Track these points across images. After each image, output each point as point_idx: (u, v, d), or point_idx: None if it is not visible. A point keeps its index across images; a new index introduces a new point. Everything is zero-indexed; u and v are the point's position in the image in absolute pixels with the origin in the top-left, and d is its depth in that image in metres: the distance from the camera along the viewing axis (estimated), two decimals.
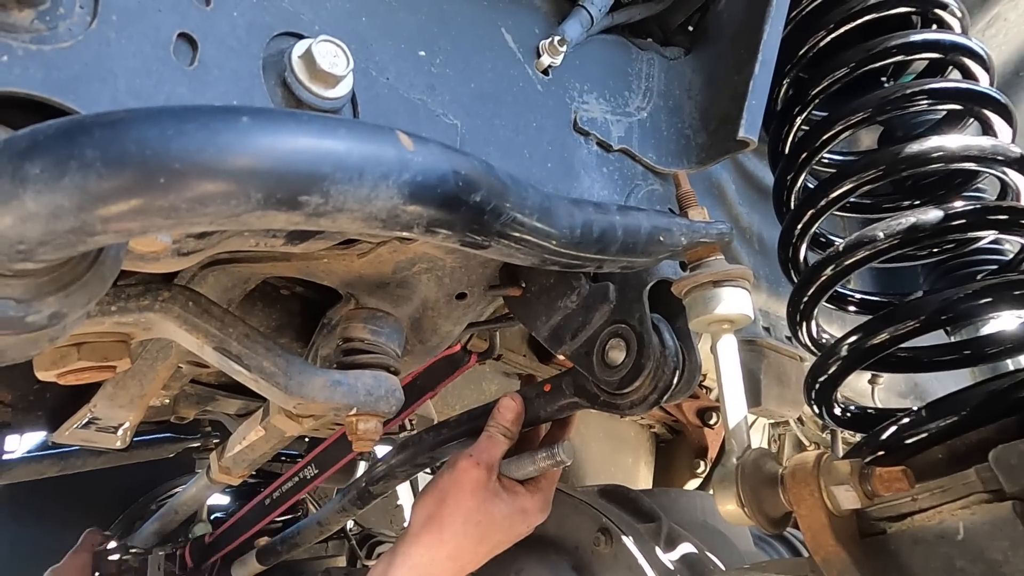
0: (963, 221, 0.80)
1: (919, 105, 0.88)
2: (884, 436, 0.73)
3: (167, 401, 1.39)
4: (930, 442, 0.70)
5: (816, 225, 0.93)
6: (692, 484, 1.99)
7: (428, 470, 1.34)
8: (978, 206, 0.81)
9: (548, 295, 0.99)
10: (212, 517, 2.19)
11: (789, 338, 1.27)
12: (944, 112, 0.99)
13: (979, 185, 0.99)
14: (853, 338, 0.83)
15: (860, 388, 1.41)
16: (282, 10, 0.64)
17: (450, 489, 0.98)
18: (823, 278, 0.87)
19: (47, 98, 0.49)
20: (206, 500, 1.97)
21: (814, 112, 0.99)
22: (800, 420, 1.85)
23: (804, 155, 0.95)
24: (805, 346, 0.96)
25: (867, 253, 0.83)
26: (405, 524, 1.02)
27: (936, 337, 0.87)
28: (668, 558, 1.02)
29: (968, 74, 0.92)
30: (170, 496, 2.40)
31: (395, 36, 0.73)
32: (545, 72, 0.87)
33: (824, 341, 0.95)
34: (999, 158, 0.83)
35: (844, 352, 0.83)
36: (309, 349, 1.06)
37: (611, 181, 0.91)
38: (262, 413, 1.15)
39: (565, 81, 0.89)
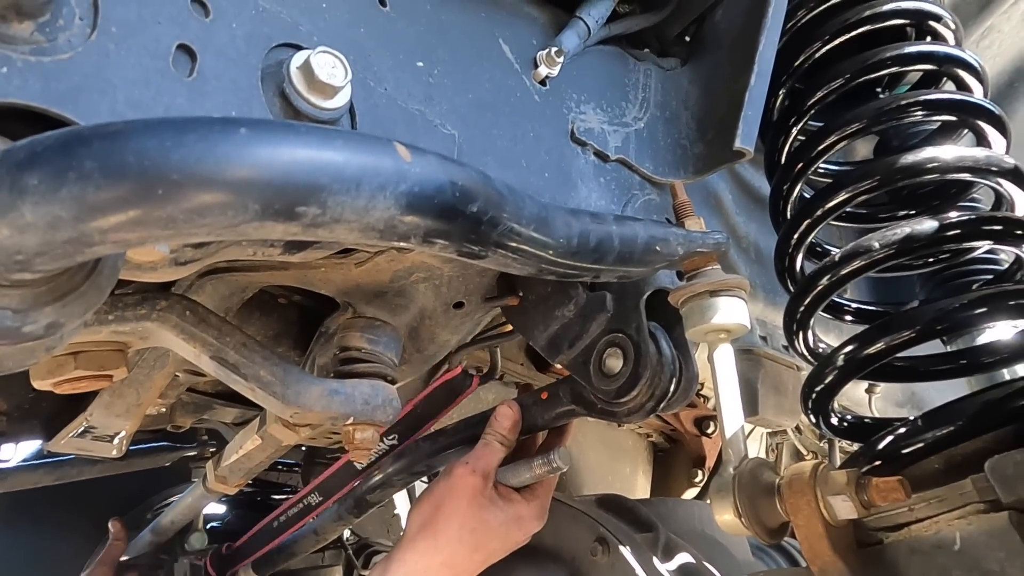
0: (958, 232, 0.80)
1: (914, 116, 0.88)
2: (881, 446, 0.73)
3: (164, 410, 1.39)
4: (926, 452, 0.70)
5: (812, 235, 0.94)
6: (690, 493, 1.98)
7: (425, 479, 1.33)
8: (973, 217, 0.82)
9: (545, 304, 0.99)
10: (208, 527, 2.17)
11: (786, 347, 1.27)
12: (939, 123, 0.99)
13: (974, 195, 1.00)
14: (849, 348, 0.83)
15: (857, 397, 1.41)
16: (281, 21, 0.64)
17: (446, 496, 0.98)
18: (819, 288, 0.87)
19: (46, 109, 0.49)
20: (202, 509, 1.96)
21: (810, 123, 0.99)
22: (798, 429, 1.85)
23: (800, 165, 0.96)
24: (802, 356, 0.96)
25: (863, 263, 0.83)
26: (402, 533, 1.02)
27: (932, 347, 0.87)
28: (665, 568, 1.02)
29: (962, 85, 0.93)
30: (166, 505, 2.38)
31: (393, 47, 0.73)
32: (542, 83, 0.87)
33: (820, 351, 0.95)
34: (993, 169, 0.83)
35: (840, 362, 0.84)
36: (306, 358, 1.06)
37: (608, 191, 0.91)
38: (259, 422, 1.15)
39: (562, 91, 0.89)
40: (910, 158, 0.85)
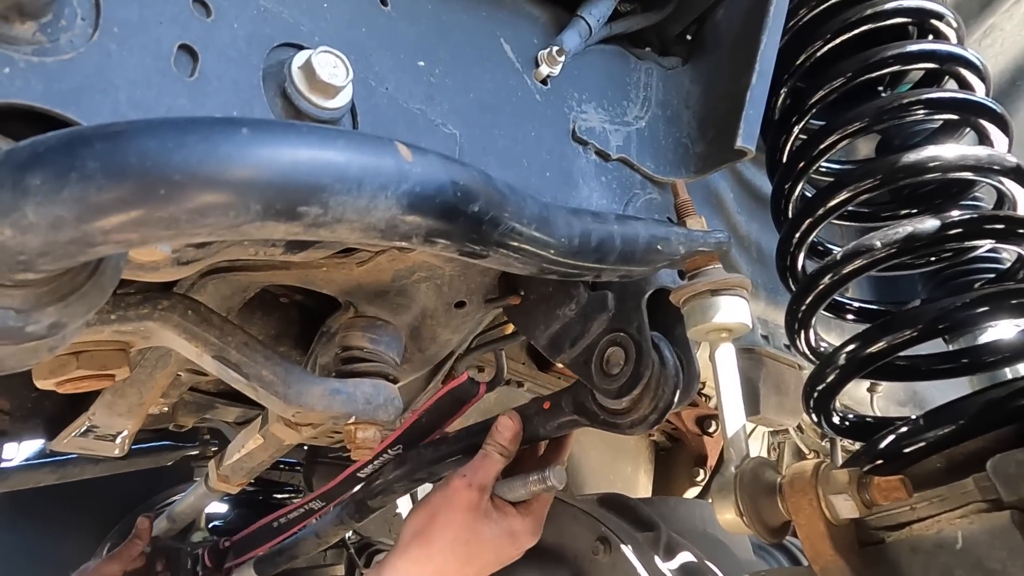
0: (960, 230, 0.80)
1: (916, 115, 0.88)
2: (882, 445, 0.73)
3: (166, 409, 1.39)
4: (928, 451, 0.70)
5: (814, 234, 0.94)
6: (691, 492, 1.98)
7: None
8: (975, 215, 0.82)
9: (547, 304, 0.99)
10: (210, 525, 2.18)
11: (787, 346, 1.27)
12: (941, 122, 0.99)
13: (976, 194, 0.99)
14: (851, 347, 0.83)
15: (859, 396, 1.41)
16: (282, 21, 0.64)
17: (442, 507, 0.98)
18: (821, 287, 0.87)
19: (48, 109, 0.49)
20: (204, 508, 1.97)
21: (812, 121, 0.99)
22: (799, 428, 1.85)
23: (802, 164, 0.96)
24: (803, 355, 0.96)
25: (865, 262, 0.83)
26: (396, 540, 1.02)
27: (934, 346, 0.87)
28: (667, 567, 1.02)
29: (964, 84, 0.93)
30: (168, 504, 2.39)
31: (395, 46, 0.73)
32: (544, 82, 0.87)
33: (822, 350, 0.95)
34: (995, 167, 0.83)
35: (842, 361, 0.84)
36: (308, 357, 1.06)
37: (609, 190, 0.91)
38: (261, 421, 1.15)
39: (563, 91, 0.89)
40: (912, 157, 0.85)
